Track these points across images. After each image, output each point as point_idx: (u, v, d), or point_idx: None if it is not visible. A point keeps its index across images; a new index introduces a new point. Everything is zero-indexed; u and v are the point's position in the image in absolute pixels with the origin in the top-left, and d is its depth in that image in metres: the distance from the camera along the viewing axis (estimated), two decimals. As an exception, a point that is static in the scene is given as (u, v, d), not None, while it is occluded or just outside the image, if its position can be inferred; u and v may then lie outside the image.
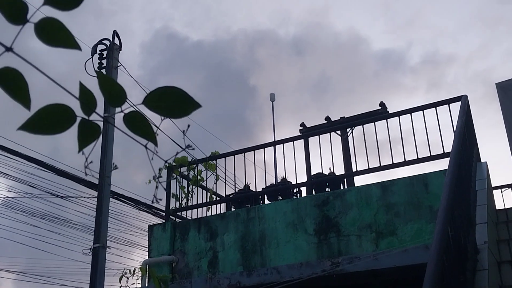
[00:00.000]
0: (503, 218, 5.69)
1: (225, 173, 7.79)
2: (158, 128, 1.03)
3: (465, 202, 4.32)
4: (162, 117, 0.98)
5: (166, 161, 1.10)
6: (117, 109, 1.04)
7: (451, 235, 3.44)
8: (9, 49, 0.92)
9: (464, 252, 3.83)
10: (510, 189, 8.67)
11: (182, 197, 7.87)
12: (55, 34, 0.93)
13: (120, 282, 5.73)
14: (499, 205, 7.20)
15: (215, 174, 7.84)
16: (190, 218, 7.88)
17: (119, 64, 10.07)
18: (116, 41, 10.31)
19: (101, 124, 1.00)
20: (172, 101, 0.95)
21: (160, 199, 1.20)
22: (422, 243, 4.68)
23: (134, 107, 1.03)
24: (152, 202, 1.18)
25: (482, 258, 4.08)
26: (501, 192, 8.77)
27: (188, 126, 1.13)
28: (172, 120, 1.03)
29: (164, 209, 8.70)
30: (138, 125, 0.97)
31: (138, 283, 6.59)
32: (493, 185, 6.82)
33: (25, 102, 0.94)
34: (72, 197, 12.07)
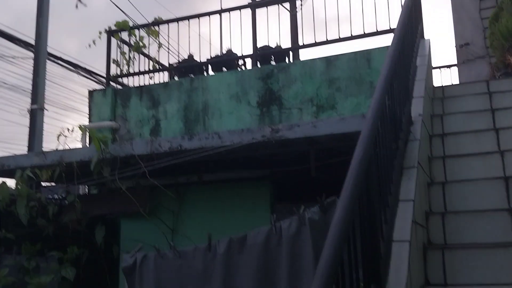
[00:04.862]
0: (439, 95, 5.86)
1: (168, 41, 7.57)
2: None
3: (405, 75, 4.38)
4: None
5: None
6: None
7: (388, 104, 3.50)
8: None
9: (399, 122, 3.94)
10: (449, 69, 8.90)
11: (123, 64, 7.64)
12: None
13: (58, 141, 5.64)
14: (437, 84, 7.39)
15: (157, 41, 7.59)
16: (132, 86, 7.73)
17: None
18: None
19: None
20: None
21: (86, 6, 1.10)
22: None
23: None
24: (76, 6, 1.09)
25: (415, 130, 4.22)
26: (440, 71, 9.00)
27: None
28: None
29: (104, 75, 8.46)
30: None
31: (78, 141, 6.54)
32: (433, 65, 6.95)
33: None
34: (8, 56, 11.49)
